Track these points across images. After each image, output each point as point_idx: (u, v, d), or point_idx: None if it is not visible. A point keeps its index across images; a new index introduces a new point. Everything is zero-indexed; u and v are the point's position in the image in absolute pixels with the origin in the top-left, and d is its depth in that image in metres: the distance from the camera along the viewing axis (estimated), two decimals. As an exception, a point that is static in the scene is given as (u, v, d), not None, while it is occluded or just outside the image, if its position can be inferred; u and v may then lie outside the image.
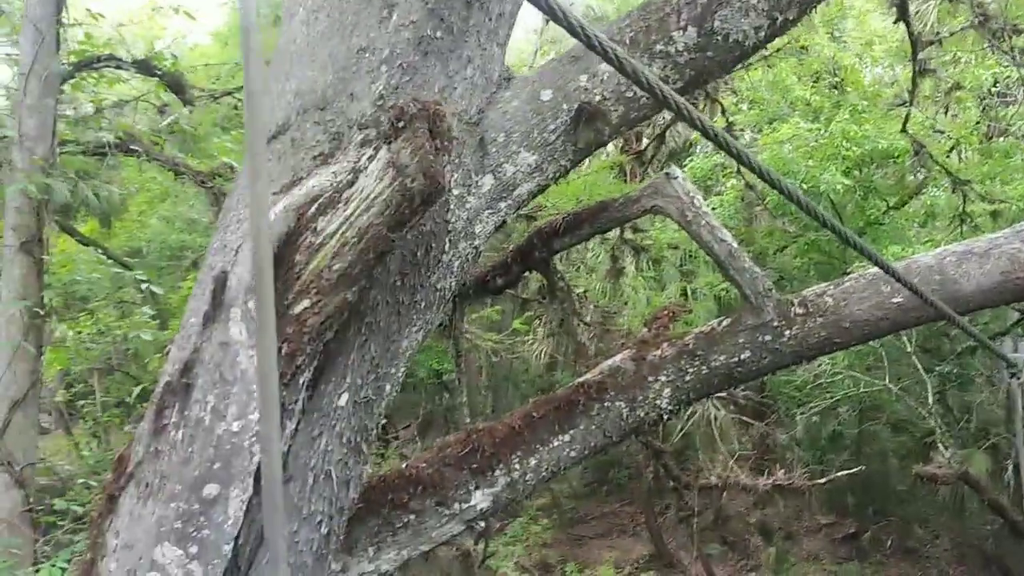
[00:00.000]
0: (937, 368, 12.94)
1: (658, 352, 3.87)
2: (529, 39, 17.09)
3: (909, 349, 12.04)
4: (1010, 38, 10.88)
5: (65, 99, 8.63)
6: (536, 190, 3.32)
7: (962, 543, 14.30)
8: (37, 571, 5.24)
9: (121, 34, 9.56)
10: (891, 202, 13.81)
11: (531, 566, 13.73)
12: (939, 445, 11.89)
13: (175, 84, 9.29)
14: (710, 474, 11.14)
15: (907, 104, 11.48)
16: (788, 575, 14.07)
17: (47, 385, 12.08)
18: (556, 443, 3.65)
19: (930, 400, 12.13)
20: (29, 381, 7.27)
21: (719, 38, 3.17)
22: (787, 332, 3.86)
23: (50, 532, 7.29)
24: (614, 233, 11.44)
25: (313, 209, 2.63)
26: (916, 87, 10.96)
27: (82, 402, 12.32)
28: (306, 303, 2.62)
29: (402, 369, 3.14)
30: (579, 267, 13.47)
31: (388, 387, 3.08)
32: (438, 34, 2.93)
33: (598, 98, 3.20)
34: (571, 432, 3.68)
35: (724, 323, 3.95)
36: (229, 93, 10.50)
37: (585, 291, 11.89)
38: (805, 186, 11.69)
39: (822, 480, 11.00)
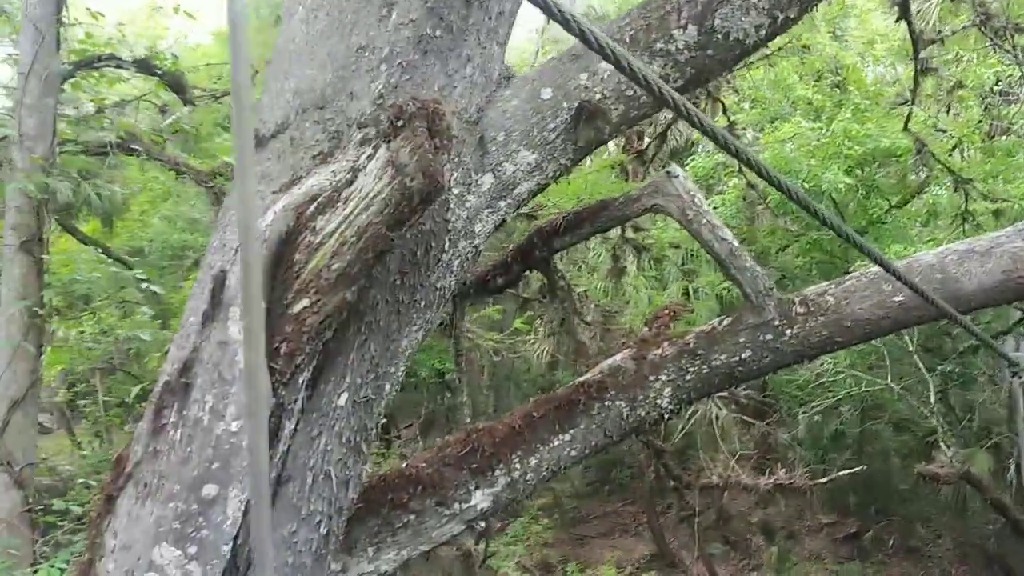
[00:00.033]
0: (939, 367, 12.91)
1: (659, 351, 3.86)
2: (531, 39, 17.09)
3: (911, 348, 12.01)
4: (1012, 37, 10.87)
5: (66, 99, 8.63)
6: (536, 189, 3.31)
7: (964, 542, 14.28)
8: (35, 572, 5.23)
9: (123, 33, 9.56)
10: (893, 201, 13.78)
11: (532, 566, 13.72)
12: (941, 444, 11.87)
13: (175, 83, 9.29)
14: (712, 473, 11.14)
15: (909, 103, 11.46)
16: (790, 574, 14.05)
17: (49, 385, 12.09)
18: (556, 443, 3.64)
19: (932, 399, 12.10)
20: (29, 381, 7.27)
21: (720, 36, 3.16)
22: (788, 331, 3.85)
23: (50, 532, 7.29)
24: (615, 232, 11.44)
25: (312, 208, 2.62)
26: (918, 86, 10.94)
27: (84, 401, 12.32)
28: (305, 302, 2.62)
29: (402, 368, 3.13)
30: (580, 266, 13.47)
31: (388, 386, 3.07)
32: (438, 33, 2.92)
33: (598, 96, 3.19)
34: (571, 431, 3.67)
35: (725, 322, 3.94)
36: (230, 93, 10.48)
37: (586, 290, 11.89)
38: (807, 185, 11.68)
39: (824, 479, 10.98)
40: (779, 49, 13.54)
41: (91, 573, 2.65)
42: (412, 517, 3.34)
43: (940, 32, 11.24)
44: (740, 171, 12.93)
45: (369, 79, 2.88)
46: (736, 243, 3.99)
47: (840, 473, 11.16)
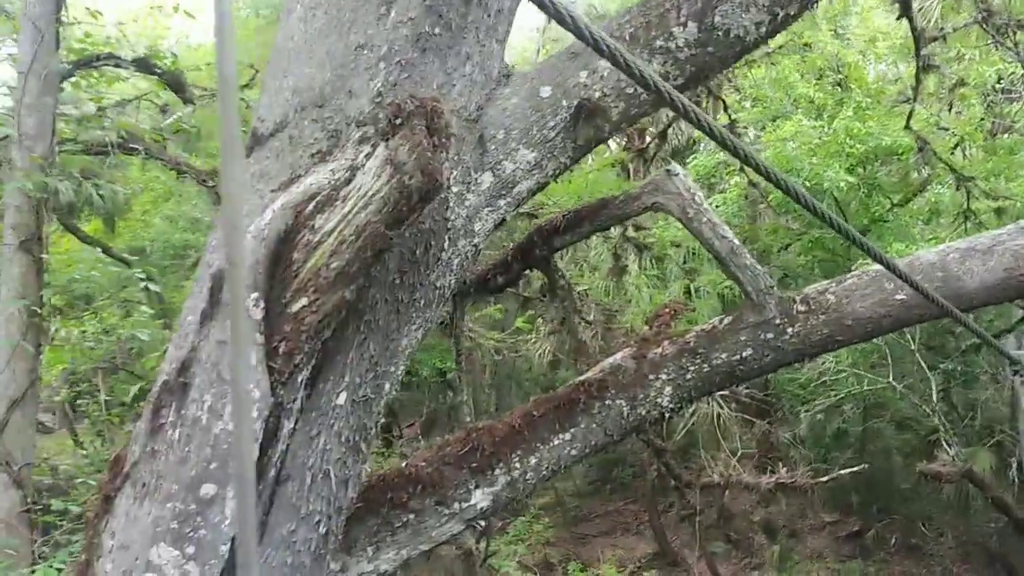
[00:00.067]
0: (941, 366, 12.89)
1: (659, 350, 3.85)
2: (532, 38, 17.09)
3: (913, 347, 11.99)
4: (1014, 34, 10.85)
5: (67, 98, 8.62)
6: (536, 187, 3.30)
7: (966, 541, 14.26)
8: (33, 572, 5.23)
9: (124, 33, 9.56)
10: (895, 199, 13.77)
11: (534, 565, 13.71)
12: (943, 443, 11.85)
13: (175, 83, 9.29)
14: (713, 472, 11.14)
15: (911, 101, 11.46)
16: (792, 573, 14.03)
17: (51, 384, 12.08)
18: (556, 442, 3.63)
19: (934, 398, 12.09)
20: (28, 380, 7.26)
21: (720, 33, 3.15)
22: (789, 330, 3.83)
23: (51, 532, 7.28)
24: (617, 231, 11.45)
25: (311, 207, 2.61)
26: (920, 84, 10.93)
27: (86, 400, 12.32)
28: (304, 301, 2.61)
29: (401, 368, 3.12)
30: (582, 265, 13.47)
31: (387, 386, 3.06)
32: (436, 31, 2.91)
33: (598, 94, 3.17)
34: (572, 431, 3.66)
35: (726, 321, 3.93)
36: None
37: (587, 289, 11.89)
38: (809, 183, 11.65)
39: (826, 478, 10.98)
40: (780, 47, 13.54)
41: (89, 573, 2.64)
42: (412, 516, 3.33)
43: (942, 30, 11.22)
44: (741, 170, 12.91)
45: (368, 77, 2.87)
46: (737, 241, 3.98)
47: (842, 472, 11.15)
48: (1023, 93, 13.96)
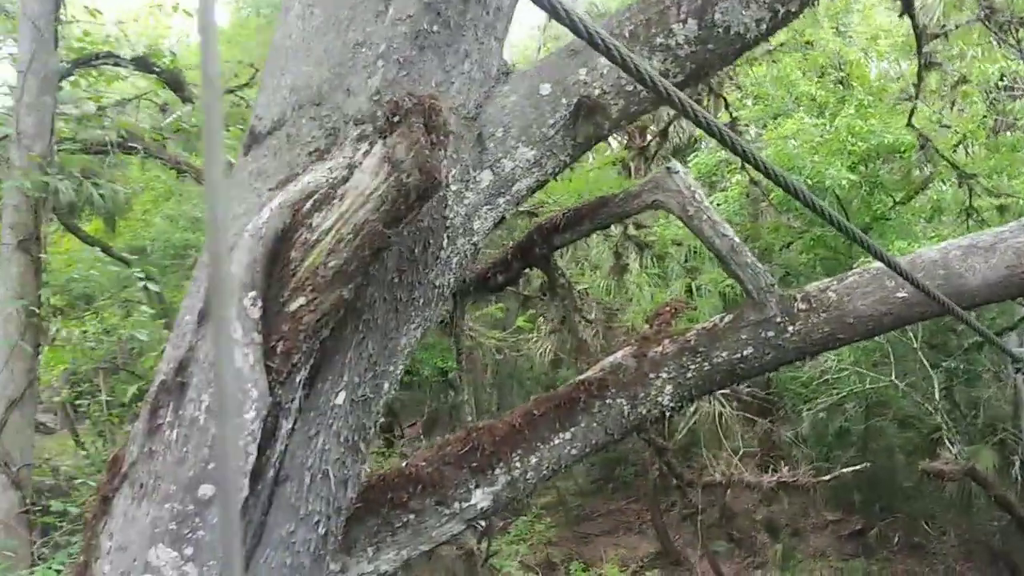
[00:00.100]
0: (944, 364, 12.87)
1: (659, 349, 3.83)
2: (532, 35, 17.08)
3: (915, 345, 11.97)
4: (1016, 31, 10.84)
5: (67, 97, 8.61)
6: (535, 185, 3.28)
7: (969, 539, 14.24)
8: (32, 573, 5.21)
9: (124, 32, 9.55)
10: (897, 197, 13.74)
11: (536, 565, 13.70)
12: (946, 441, 11.83)
13: (174, 81, 9.28)
14: (715, 471, 11.13)
15: (913, 99, 11.43)
16: (795, 572, 14.02)
17: (52, 384, 12.09)
18: (557, 441, 3.61)
19: (937, 396, 12.07)
20: (26, 380, 7.25)
21: (720, 30, 3.13)
22: (790, 328, 3.82)
23: (50, 534, 7.26)
24: (617, 229, 11.44)
25: (308, 205, 2.60)
26: (922, 81, 10.90)
27: (87, 400, 12.32)
28: (302, 300, 2.59)
29: (401, 367, 3.11)
30: (582, 264, 13.46)
31: (387, 385, 3.04)
32: (435, 28, 2.90)
33: (597, 92, 3.15)
34: (572, 430, 3.64)
35: (726, 319, 3.91)
36: (231, 91, 10.50)
37: (587, 288, 11.88)
38: (810, 182, 11.63)
39: (828, 477, 10.98)
40: (782, 45, 13.51)
41: (87, 575, 2.62)
42: (412, 516, 3.32)
43: (944, 27, 11.20)
44: (743, 168, 12.89)
45: (366, 75, 2.86)
46: (737, 239, 3.96)
47: (844, 470, 11.15)
48: (1025, 90, 13.93)
